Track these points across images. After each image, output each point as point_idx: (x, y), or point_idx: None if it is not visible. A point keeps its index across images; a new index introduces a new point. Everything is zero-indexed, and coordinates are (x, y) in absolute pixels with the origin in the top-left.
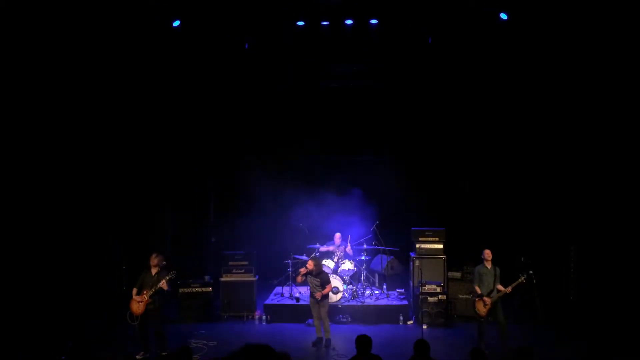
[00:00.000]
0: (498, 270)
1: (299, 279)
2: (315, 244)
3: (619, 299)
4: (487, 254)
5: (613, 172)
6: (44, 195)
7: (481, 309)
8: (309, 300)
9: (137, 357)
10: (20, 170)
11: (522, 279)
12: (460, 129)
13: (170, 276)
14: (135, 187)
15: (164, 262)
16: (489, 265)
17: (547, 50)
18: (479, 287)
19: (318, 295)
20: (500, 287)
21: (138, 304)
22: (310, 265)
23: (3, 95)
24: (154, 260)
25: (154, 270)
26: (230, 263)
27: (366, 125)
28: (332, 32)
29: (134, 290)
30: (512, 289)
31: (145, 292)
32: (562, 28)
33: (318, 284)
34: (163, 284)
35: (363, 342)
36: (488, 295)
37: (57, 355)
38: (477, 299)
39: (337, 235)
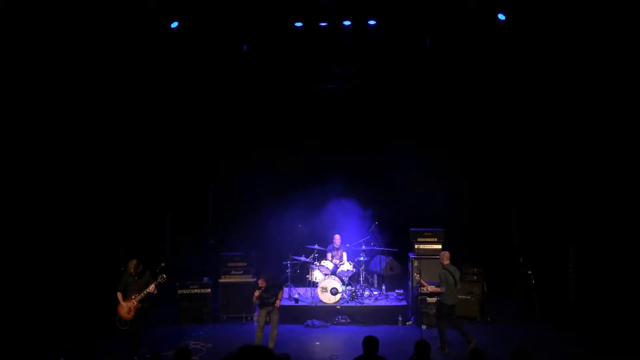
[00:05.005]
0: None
1: (256, 301)
2: (314, 244)
3: (618, 298)
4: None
5: (612, 172)
6: (43, 197)
7: None
8: (308, 301)
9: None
10: (19, 172)
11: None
12: (458, 129)
13: (160, 280)
14: (135, 189)
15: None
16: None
17: (545, 50)
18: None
19: (278, 303)
20: None
21: (128, 309)
22: (261, 282)
23: (4, 100)
24: (134, 266)
25: (133, 273)
26: (229, 264)
27: (365, 126)
28: (331, 33)
29: (119, 295)
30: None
31: (133, 297)
32: (560, 28)
33: (273, 293)
34: (152, 288)
35: (370, 342)
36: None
37: (56, 356)
38: None
39: (337, 237)
